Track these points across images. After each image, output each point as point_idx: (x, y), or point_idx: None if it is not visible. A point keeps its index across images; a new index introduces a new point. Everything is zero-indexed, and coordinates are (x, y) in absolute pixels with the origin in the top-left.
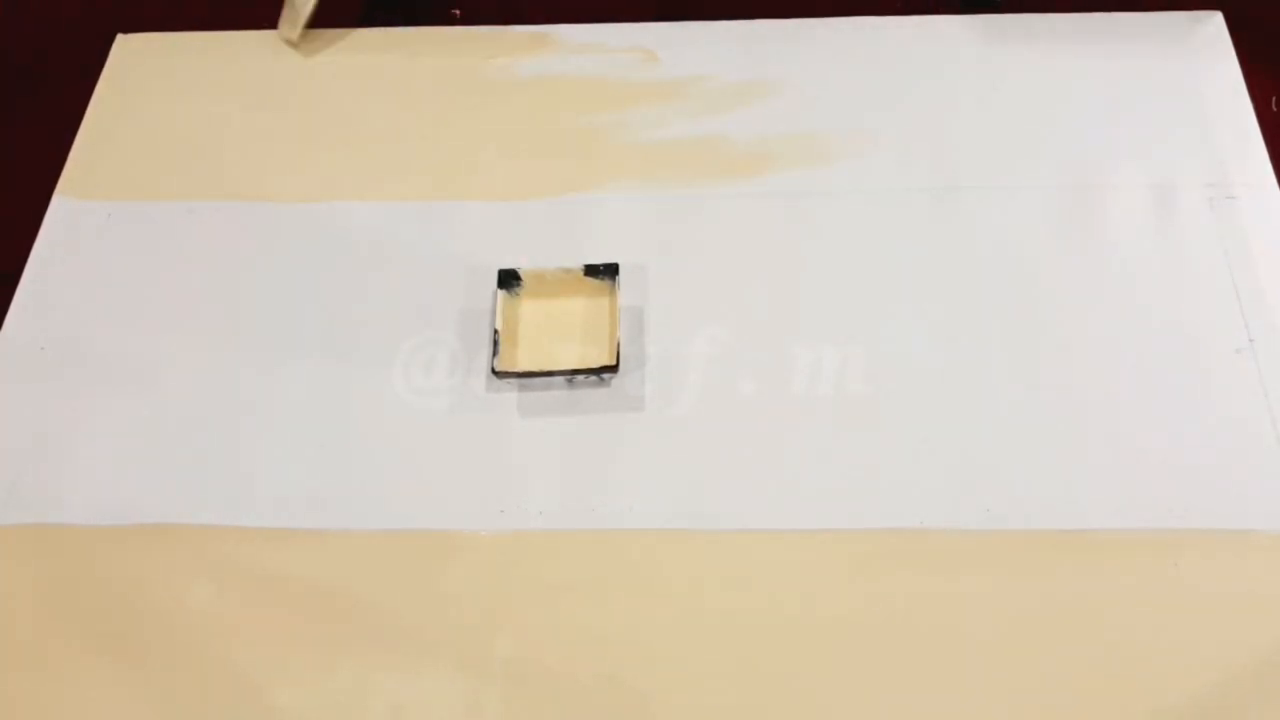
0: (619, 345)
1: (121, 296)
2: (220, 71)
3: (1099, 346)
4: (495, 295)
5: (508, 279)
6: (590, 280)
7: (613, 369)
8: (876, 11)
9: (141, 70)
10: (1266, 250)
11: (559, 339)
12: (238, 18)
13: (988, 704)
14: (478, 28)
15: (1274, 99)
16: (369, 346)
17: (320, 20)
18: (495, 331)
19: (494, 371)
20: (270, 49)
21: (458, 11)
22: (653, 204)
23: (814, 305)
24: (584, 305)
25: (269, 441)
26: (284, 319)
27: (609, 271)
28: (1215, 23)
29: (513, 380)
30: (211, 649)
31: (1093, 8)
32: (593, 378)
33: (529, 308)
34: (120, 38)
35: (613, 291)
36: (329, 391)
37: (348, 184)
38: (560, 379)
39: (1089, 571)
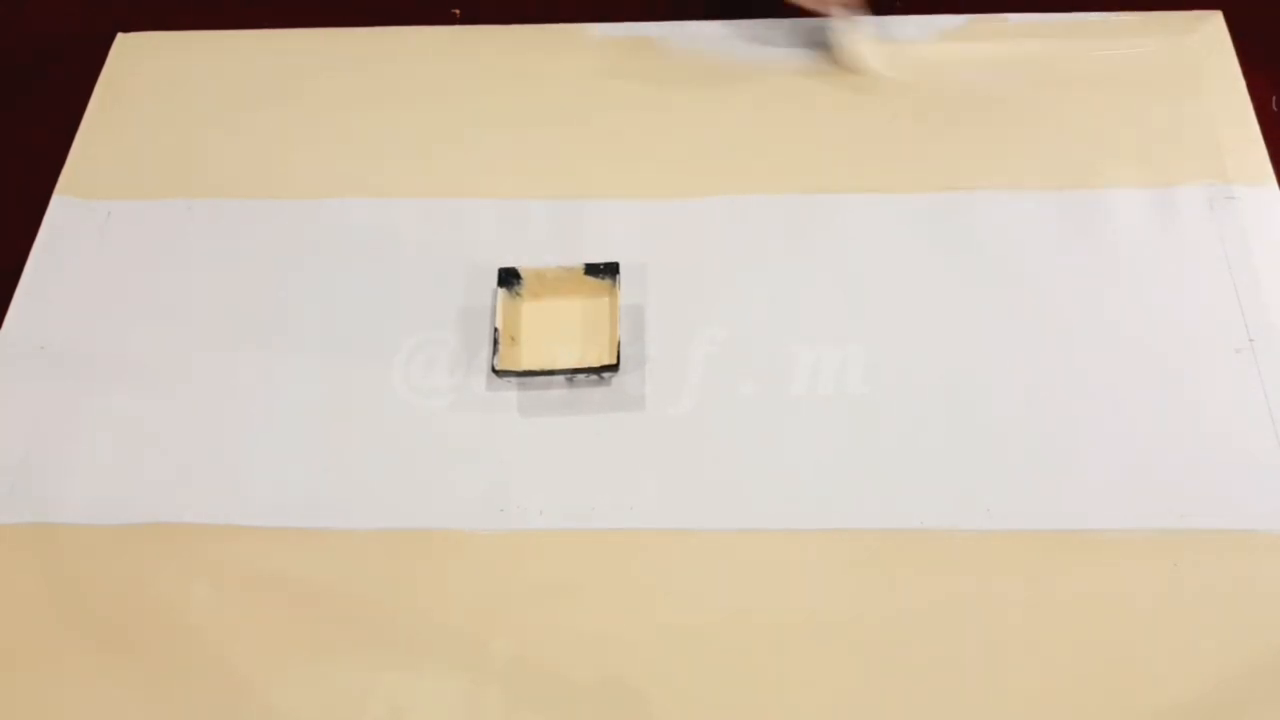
0: (619, 344)
1: (121, 296)
2: (220, 71)
3: (1099, 346)
4: (495, 294)
5: (508, 277)
6: (591, 279)
7: (613, 368)
8: (877, 11)
9: (141, 70)
10: (1266, 250)
11: (559, 338)
12: (238, 18)
13: (988, 704)
14: (477, 26)
15: (1274, 99)
16: (369, 345)
17: (323, 19)
18: (495, 330)
19: (494, 370)
20: (270, 49)
21: (457, 11)
22: (654, 203)
23: (814, 305)
24: (584, 304)
25: (268, 441)
26: (284, 318)
27: (609, 270)
28: (1215, 23)
29: (513, 379)
30: (210, 649)
31: (1093, 8)
32: (593, 377)
33: (529, 306)
34: (120, 37)
35: (613, 290)
36: (329, 391)
37: (347, 182)
38: (560, 378)
39: (1089, 571)
